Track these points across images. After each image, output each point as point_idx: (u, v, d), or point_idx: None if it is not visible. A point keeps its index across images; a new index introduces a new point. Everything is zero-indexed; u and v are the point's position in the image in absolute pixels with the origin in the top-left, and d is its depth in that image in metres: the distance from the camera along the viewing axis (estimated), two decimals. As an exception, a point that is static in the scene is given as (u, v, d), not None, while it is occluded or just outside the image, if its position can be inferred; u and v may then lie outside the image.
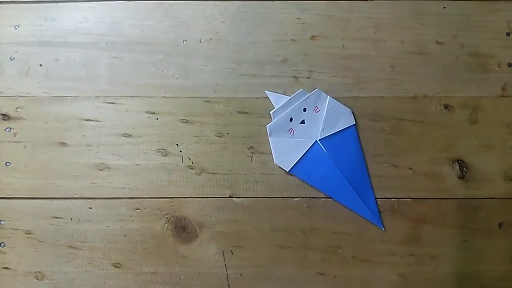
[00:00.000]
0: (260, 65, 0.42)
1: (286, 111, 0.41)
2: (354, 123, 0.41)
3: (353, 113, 0.41)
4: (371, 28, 0.42)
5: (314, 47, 0.42)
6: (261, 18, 0.43)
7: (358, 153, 0.40)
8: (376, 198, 0.40)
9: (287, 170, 0.40)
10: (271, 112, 0.41)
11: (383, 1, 0.43)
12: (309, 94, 0.41)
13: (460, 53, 0.42)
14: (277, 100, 0.41)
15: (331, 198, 0.40)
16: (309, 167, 0.40)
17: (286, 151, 0.41)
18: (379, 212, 0.40)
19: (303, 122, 0.41)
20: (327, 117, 0.41)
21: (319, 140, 0.41)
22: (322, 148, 0.40)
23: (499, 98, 0.41)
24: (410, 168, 0.40)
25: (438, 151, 0.41)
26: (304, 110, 0.41)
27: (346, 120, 0.41)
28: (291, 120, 0.41)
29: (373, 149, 0.41)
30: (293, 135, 0.41)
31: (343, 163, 0.40)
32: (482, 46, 0.42)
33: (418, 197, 0.40)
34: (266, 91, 0.41)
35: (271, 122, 0.41)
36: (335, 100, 0.41)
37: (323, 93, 0.41)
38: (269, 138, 0.41)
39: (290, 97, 0.41)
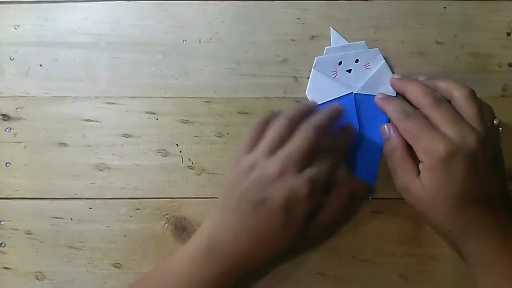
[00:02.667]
0: (260, 65, 0.42)
1: (340, 54, 0.41)
2: (395, 95, 0.41)
3: None
4: (371, 28, 0.42)
5: (314, 47, 0.42)
6: (261, 18, 0.43)
7: (384, 122, 0.40)
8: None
9: None
10: (326, 47, 0.42)
11: (383, 1, 0.43)
12: (368, 49, 0.42)
13: (460, 53, 0.42)
14: (337, 40, 0.42)
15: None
16: None
17: (321, 88, 0.41)
18: (375, 178, 0.40)
19: (349, 71, 0.41)
20: (373, 77, 0.41)
21: (355, 93, 0.41)
22: (354, 102, 0.41)
23: (499, 98, 0.41)
24: (410, 168, 0.40)
25: (438, 151, 0.41)
26: (356, 61, 0.41)
27: (389, 88, 0.41)
28: (340, 63, 0.41)
29: (373, 149, 0.41)
30: (334, 77, 0.41)
31: (366, 124, 0.40)
32: (483, 46, 0.42)
33: (418, 197, 0.40)
34: (331, 27, 0.42)
35: (322, 56, 0.41)
36: (389, 68, 0.41)
37: (381, 54, 0.41)
38: (313, 68, 0.41)
39: (349, 44, 0.42)
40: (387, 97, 0.39)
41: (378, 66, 0.41)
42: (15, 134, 0.42)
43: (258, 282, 0.39)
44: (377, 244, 0.40)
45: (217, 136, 0.41)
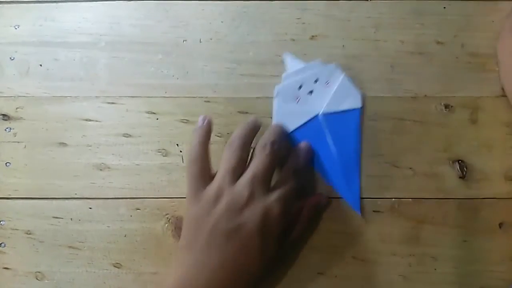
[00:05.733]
0: (260, 65, 0.42)
1: (298, 77, 0.41)
2: (360, 106, 0.41)
3: (362, 97, 0.41)
4: (371, 28, 0.43)
5: (314, 47, 0.42)
6: (261, 18, 0.43)
7: (355, 137, 0.40)
8: (361, 188, 0.40)
9: None
10: (283, 75, 0.41)
11: (383, 1, 0.43)
12: (326, 66, 0.41)
13: (460, 53, 0.42)
14: (293, 64, 0.41)
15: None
16: (304, 138, 0.40)
17: (286, 116, 0.40)
18: (361, 198, 0.40)
19: (311, 92, 0.41)
20: (335, 94, 0.41)
21: (320, 114, 0.41)
22: (321, 123, 0.40)
23: (499, 98, 0.41)
24: (410, 168, 0.40)
25: (438, 151, 0.41)
26: (316, 81, 0.41)
27: (353, 101, 0.41)
28: (300, 87, 0.41)
29: (373, 149, 0.41)
30: (298, 103, 0.41)
31: (338, 142, 0.40)
32: (482, 46, 0.42)
33: (418, 197, 0.40)
34: (284, 53, 0.41)
35: (280, 84, 0.41)
36: (349, 80, 0.41)
37: (339, 69, 0.41)
38: (274, 99, 0.41)
39: (305, 65, 0.41)
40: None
41: (339, 81, 0.41)
42: (15, 134, 0.42)
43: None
44: (378, 244, 0.40)
45: (218, 136, 0.41)
